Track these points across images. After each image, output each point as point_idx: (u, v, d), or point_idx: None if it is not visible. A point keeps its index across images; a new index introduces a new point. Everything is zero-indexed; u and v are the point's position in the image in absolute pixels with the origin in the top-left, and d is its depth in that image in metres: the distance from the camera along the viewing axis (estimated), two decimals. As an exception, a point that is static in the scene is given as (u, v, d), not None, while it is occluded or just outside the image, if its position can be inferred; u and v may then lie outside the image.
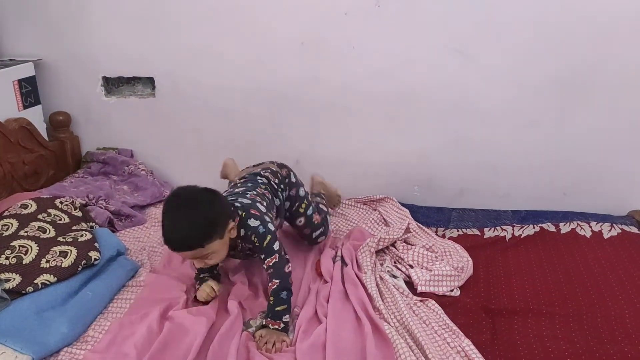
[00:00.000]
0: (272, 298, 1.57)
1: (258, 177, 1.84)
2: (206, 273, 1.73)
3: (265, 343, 1.48)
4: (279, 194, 1.84)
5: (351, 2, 2.06)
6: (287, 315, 1.56)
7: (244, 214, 1.64)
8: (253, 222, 1.62)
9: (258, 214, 1.64)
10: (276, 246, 1.62)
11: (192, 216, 1.51)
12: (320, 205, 1.99)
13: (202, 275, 1.72)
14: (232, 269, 1.82)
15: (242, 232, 1.63)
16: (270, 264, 1.60)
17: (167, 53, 2.27)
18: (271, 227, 1.63)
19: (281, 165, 1.92)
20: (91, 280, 1.69)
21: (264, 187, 1.80)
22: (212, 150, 2.38)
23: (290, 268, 1.63)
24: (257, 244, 1.62)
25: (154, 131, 2.41)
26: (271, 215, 1.70)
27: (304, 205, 1.89)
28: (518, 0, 1.95)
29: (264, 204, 1.71)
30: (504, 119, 2.12)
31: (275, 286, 1.57)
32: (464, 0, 1.99)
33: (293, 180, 1.91)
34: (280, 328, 1.53)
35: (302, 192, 1.92)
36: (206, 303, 1.66)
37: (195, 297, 1.69)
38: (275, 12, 2.13)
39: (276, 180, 1.85)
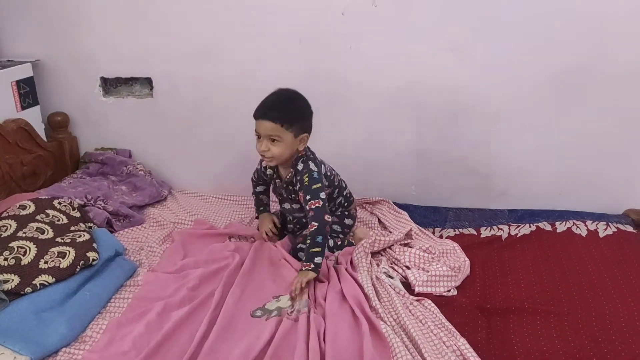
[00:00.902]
0: (308, 240, 1.72)
1: (342, 179, 2.00)
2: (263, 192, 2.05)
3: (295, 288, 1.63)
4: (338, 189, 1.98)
5: (348, 1, 2.06)
6: (320, 258, 1.70)
7: (311, 155, 1.84)
8: (313, 167, 1.80)
9: (317, 168, 1.81)
10: (322, 195, 1.76)
11: (292, 99, 1.79)
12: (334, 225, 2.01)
13: (260, 196, 2.05)
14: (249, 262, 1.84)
15: (300, 166, 1.81)
16: (313, 206, 1.74)
17: (164, 53, 2.27)
18: (324, 181, 1.81)
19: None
20: (89, 280, 1.70)
21: (339, 178, 1.98)
22: (210, 149, 2.39)
23: (330, 218, 1.74)
24: (305, 184, 1.78)
25: (152, 131, 2.41)
26: (326, 183, 1.84)
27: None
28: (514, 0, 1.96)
29: (328, 174, 1.90)
30: (500, 118, 2.13)
31: (313, 229, 1.71)
32: None
33: (347, 221, 2.03)
34: (310, 268, 1.69)
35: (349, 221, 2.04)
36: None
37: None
38: (273, 11, 2.13)
39: (346, 193, 2.01)
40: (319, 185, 1.77)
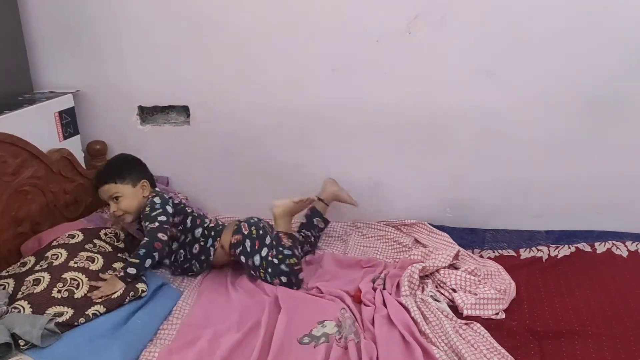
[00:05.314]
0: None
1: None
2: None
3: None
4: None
5: (382, 29, 2.10)
6: (133, 270, 1.72)
7: (158, 193, 1.92)
8: (156, 199, 1.88)
9: (160, 200, 1.87)
10: (161, 218, 1.81)
11: (116, 159, 2.03)
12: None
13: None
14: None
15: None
16: (149, 228, 1.80)
17: (200, 81, 2.31)
18: (169, 209, 1.86)
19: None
20: (139, 309, 1.72)
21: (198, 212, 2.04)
22: (245, 175, 2.42)
23: (165, 237, 1.79)
24: (146, 213, 1.84)
25: (189, 158, 2.44)
26: (170, 211, 1.87)
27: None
28: (547, 23, 1.99)
29: (176, 202, 1.95)
30: (536, 140, 2.14)
31: (142, 241, 1.78)
32: (494, 24, 2.03)
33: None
34: (120, 276, 1.71)
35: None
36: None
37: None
38: (308, 39, 2.17)
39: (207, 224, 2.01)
40: (160, 210, 1.84)
